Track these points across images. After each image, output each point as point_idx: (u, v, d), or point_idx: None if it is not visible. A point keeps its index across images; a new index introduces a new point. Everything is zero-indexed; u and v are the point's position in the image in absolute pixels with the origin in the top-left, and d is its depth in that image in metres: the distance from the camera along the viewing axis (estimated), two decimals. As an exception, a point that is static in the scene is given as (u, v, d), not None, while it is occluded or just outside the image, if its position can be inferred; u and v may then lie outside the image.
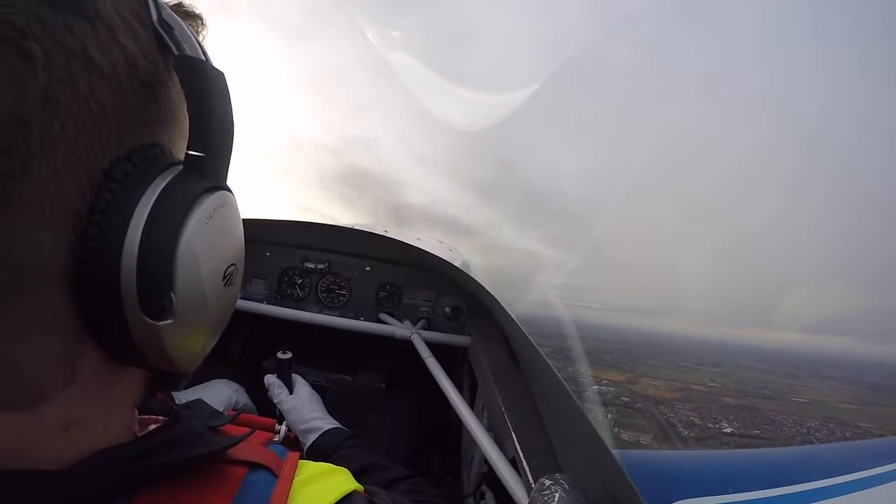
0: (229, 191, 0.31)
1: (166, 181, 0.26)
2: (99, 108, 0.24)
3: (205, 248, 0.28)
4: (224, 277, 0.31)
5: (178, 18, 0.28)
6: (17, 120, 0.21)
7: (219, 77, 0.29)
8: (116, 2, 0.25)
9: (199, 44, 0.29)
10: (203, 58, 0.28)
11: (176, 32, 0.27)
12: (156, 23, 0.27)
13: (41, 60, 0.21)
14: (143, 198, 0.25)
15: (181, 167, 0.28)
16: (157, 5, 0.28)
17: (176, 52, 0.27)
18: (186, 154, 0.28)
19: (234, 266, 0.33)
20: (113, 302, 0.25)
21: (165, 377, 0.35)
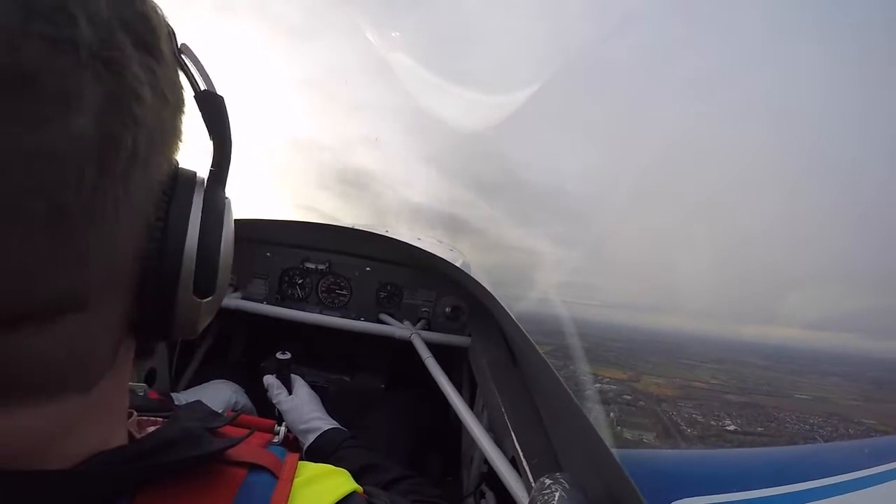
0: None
1: (202, 192, 0.33)
2: (164, 136, 0.29)
3: (229, 239, 0.34)
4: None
5: (191, 50, 0.33)
6: (131, 153, 0.25)
7: (225, 105, 0.34)
8: (168, 40, 0.30)
9: (206, 71, 0.34)
10: (213, 87, 0.34)
11: (191, 66, 0.33)
12: (176, 54, 0.32)
13: (149, 102, 0.26)
14: (194, 206, 0.31)
15: (205, 180, 0.34)
16: (174, 37, 0.32)
17: (200, 88, 0.33)
18: (210, 170, 0.34)
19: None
20: (172, 288, 0.30)
21: (148, 353, 0.38)
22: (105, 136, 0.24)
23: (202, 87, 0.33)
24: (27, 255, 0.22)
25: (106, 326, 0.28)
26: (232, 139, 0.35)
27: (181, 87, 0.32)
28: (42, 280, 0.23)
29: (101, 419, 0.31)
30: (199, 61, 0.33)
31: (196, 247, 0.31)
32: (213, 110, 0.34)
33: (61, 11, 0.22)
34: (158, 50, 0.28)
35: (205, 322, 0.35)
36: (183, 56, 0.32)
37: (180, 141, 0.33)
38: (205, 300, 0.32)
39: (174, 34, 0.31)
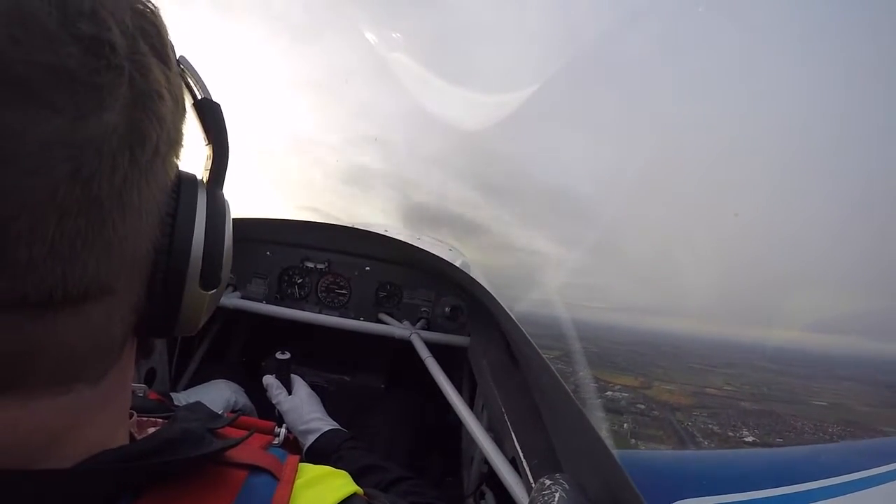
0: None
1: (206, 191, 0.34)
2: (176, 134, 0.31)
3: (229, 237, 0.36)
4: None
5: (188, 60, 0.35)
6: (155, 150, 0.28)
7: (222, 112, 0.37)
8: (173, 54, 0.32)
9: (201, 79, 0.36)
10: (209, 94, 0.36)
11: (189, 75, 0.35)
12: (178, 66, 0.34)
13: (168, 103, 0.29)
14: (199, 204, 0.33)
15: (205, 180, 0.36)
16: (174, 49, 0.34)
17: (199, 96, 0.35)
18: (210, 173, 0.36)
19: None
20: (180, 280, 0.32)
21: (149, 350, 0.39)
22: (135, 130, 0.26)
23: (199, 96, 0.36)
24: (62, 239, 0.24)
25: (122, 316, 0.30)
26: (229, 145, 0.37)
27: (184, 94, 0.34)
28: (74, 265, 0.24)
29: (105, 417, 0.31)
30: (195, 71, 0.35)
31: (203, 241, 0.32)
32: (211, 117, 0.36)
33: (96, 16, 0.24)
34: (168, 58, 0.30)
35: (205, 316, 0.36)
36: (181, 66, 0.34)
37: (182, 145, 0.34)
38: (209, 293, 0.34)
39: (174, 47, 0.33)
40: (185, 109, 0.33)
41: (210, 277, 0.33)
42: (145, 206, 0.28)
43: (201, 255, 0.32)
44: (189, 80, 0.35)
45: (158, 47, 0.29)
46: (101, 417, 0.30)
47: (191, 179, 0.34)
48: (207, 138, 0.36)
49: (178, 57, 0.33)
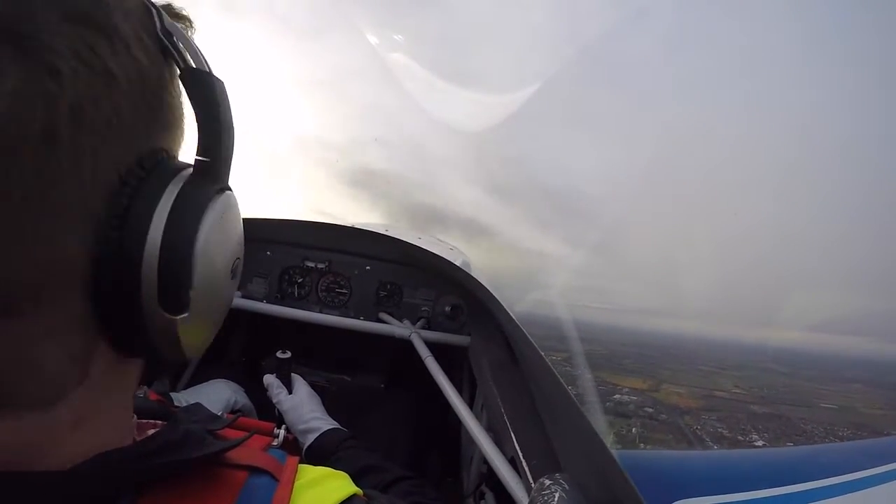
0: (231, 190, 0.33)
1: (180, 185, 0.28)
2: (118, 120, 0.25)
3: (217, 245, 0.30)
4: (231, 271, 0.33)
5: (178, 27, 0.30)
6: (47, 134, 0.22)
7: (221, 86, 0.30)
8: (129, 15, 0.26)
9: (199, 51, 0.30)
10: (206, 67, 0.30)
11: (178, 42, 0.29)
12: (159, 32, 0.28)
13: (69, 77, 0.23)
14: (161, 202, 0.27)
15: (191, 171, 0.30)
16: (160, 15, 0.29)
17: (182, 65, 0.29)
18: (196, 159, 0.30)
19: (238, 259, 0.35)
20: (132, 300, 0.26)
21: (158, 371, 0.36)
22: (14, 116, 0.21)
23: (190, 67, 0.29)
24: None
25: (61, 335, 0.25)
26: (230, 124, 0.30)
27: (160, 67, 0.28)
28: None
29: (96, 425, 0.30)
30: (187, 40, 0.30)
31: (158, 248, 0.26)
32: (199, 89, 0.29)
33: None
34: (107, 26, 0.25)
35: (194, 342, 0.31)
36: (171, 36, 0.29)
37: (174, 128, 0.30)
38: (178, 316, 0.28)
39: (159, 12, 0.29)
40: (147, 84, 0.27)
41: (170, 296, 0.27)
42: (59, 206, 0.23)
43: (156, 268, 0.26)
44: (171, 50, 0.29)
45: (83, 11, 0.24)
46: (94, 424, 0.29)
47: (164, 170, 0.28)
48: (195, 116, 0.30)
49: (164, 24, 0.29)
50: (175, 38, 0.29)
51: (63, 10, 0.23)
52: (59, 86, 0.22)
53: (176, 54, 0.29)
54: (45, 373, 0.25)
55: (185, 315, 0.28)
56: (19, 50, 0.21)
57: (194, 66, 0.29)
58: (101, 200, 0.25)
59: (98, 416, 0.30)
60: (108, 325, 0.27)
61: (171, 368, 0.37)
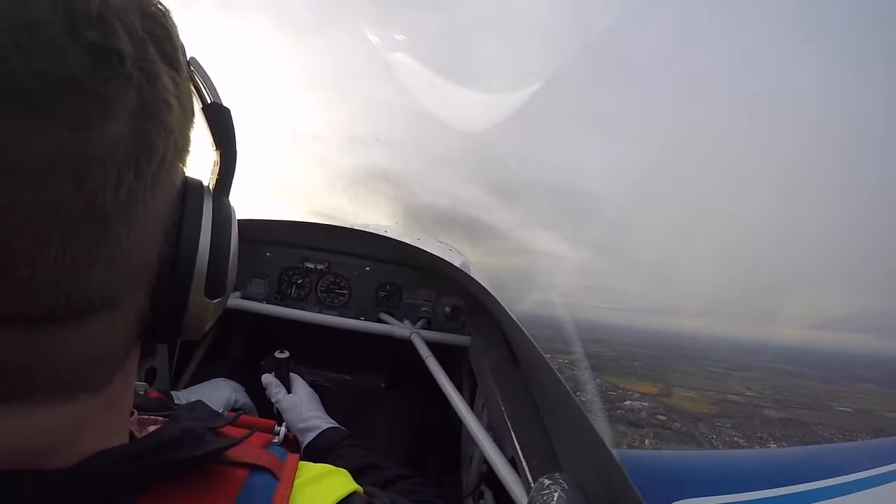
0: None
1: (211, 199, 0.34)
2: (183, 142, 0.30)
3: (235, 244, 0.36)
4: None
5: (198, 62, 0.34)
6: (158, 161, 0.27)
7: (231, 117, 0.36)
8: (184, 57, 0.31)
9: (212, 83, 0.35)
10: (219, 98, 0.35)
11: (200, 79, 0.34)
12: (188, 67, 0.32)
13: (168, 104, 0.27)
14: (205, 212, 0.33)
15: (212, 187, 0.36)
16: (184, 49, 0.32)
17: (209, 100, 0.35)
18: (217, 179, 0.36)
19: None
20: (184, 290, 0.31)
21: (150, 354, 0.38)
22: (141, 141, 0.25)
23: (210, 100, 0.35)
24: (65, 254, 0.23)
25: (125, 327, 0.29)
26: (237, 150, 0.36)
27: (192, 99, 0.33)
28: (78, 280, 0.24)
29: (109, 419, 0.31)
30: (206, 74, 0.34)
31: (208, 250, 0.32)
32: (220, 122, 0.35)
33: (103, 22, 0.23)
34: (179, 63, 0.29)
35: (210, 323, 0.35)
36: (192, 69, 0.33)
37: (189, 151, 0.33)
38: (214, 301, 0.33)
39: (185, 49, 0.32)
40: (193, 115, 0.32)
41: (215, 286, 0.33)
42: (150, 217, 0.27)
43: (206, 264, 0.32)
44: (199, 82, 0.34)
45: (168, 52, 0.28)
46: (104, 421, 0.30)
47: (197, 186, 0.33)
48: (216, 144, 0.36)
49: (188, 59, 0.32)
50: (199, 77, 0.34)
51: (160, 49, 0.27)
52: (172, 118, 0.27)
53: (202, 90, 0.34)
54: (110, 363, 0.29)
55: (220, 299, 0.34)
56: (143, 81, 0.25)
57: (210, 100, 0.35)
58: (170, 211, 0.30)
59: (121, 404, 0.33)
60: (158, 313, 0.31)
61: (154, 354, 0.43)
